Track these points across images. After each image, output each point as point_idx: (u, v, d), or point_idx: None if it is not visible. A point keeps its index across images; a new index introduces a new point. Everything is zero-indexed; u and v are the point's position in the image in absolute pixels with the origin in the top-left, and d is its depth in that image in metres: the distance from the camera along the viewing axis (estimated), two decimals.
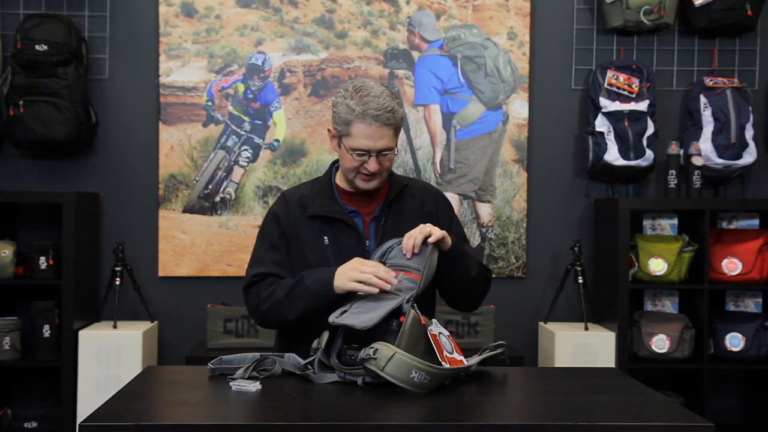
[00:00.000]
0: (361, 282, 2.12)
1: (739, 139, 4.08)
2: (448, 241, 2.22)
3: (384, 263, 2.19)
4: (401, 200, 2.43)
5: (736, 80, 4.19)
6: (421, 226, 2.19)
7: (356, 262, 2.19)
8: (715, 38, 4.28)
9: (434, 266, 2.14)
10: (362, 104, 2.25)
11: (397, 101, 2.31)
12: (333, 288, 2.18)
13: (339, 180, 2.44)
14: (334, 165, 2.47)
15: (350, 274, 2.15)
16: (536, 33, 4.29)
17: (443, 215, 2.45)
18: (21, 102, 3.90)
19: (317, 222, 2.37)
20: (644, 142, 4.08)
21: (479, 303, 2.50)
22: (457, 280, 2.32)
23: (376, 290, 2.10)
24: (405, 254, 2.15)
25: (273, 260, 2.35)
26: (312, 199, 2.40)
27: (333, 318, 2.03)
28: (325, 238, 2.35)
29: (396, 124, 2.31)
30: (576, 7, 4.28)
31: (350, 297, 2.16)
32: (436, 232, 2.16)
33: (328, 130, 2.38)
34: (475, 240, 4.25)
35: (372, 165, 2.30)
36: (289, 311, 2.25)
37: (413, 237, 2.15)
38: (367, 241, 2.36)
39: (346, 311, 2.06)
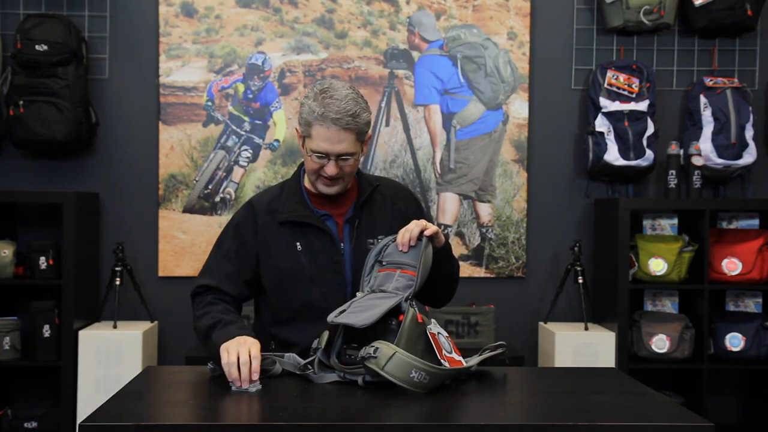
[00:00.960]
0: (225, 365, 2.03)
1: (739, 139, 4.08)
2: (442, 237, 2.22)
3: (381, 262, 2.19)
4: (373, 201, 2.40)
5: (736, 80, 4.19)
6: (416, 221, 2.18)
7: (239, 344, 2.06)
8: (715, 38, 4.28)
9: (429, 261, 2.15)
10: (323, 106, 2.21)
11: (361, 106, 2.25)
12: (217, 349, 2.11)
13: (308, 183, 2.40)
14: (302, 167, 2.43)
15: (223, 354, 2.04)
16: (536, 33, 4.29)
17: (414, 214, 2.42)
18: (21, 102, 3.90)
19: (288, 228, 2.34)
20: (644, 142, 4.08)
21: (453, 295, 2.50)
22: (443, 277, 2.32)
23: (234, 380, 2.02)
24: (401, 249, 2.15)
25: (223, 272, 2.34)
26: (282, 203, 2.36)
27: (332, 317, 2.03)
28: (298, 244, 2.32)
29: (358, 129, 2.24)
30: (576, 7, 4.28)
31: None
32: (431, 227, 2.17)
33: (296, 129, 2.35)
34: (475, 240, 4.26)
35: (330, 168, 2.26)
36: (199, 338, 2.26)
37: (409, 230, 2.15)
38: (342, 244, 2.34)
39: (344, 310, 2.06)
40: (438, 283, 2.29)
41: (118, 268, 3.99)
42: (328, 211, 2.37)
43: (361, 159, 2.37)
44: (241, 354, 2.00)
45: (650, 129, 4.10)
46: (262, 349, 2.33)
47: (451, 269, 2.37)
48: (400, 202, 2.45)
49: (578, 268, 4.08)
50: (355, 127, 2.23)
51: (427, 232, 2.15)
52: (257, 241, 2.35)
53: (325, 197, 2.36)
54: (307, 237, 2.33)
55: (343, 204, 2.38)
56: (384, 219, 2.37)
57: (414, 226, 2.16)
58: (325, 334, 2.08)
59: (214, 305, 2.29)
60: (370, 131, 2.34)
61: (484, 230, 4.27)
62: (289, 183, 2.44)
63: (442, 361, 1.98)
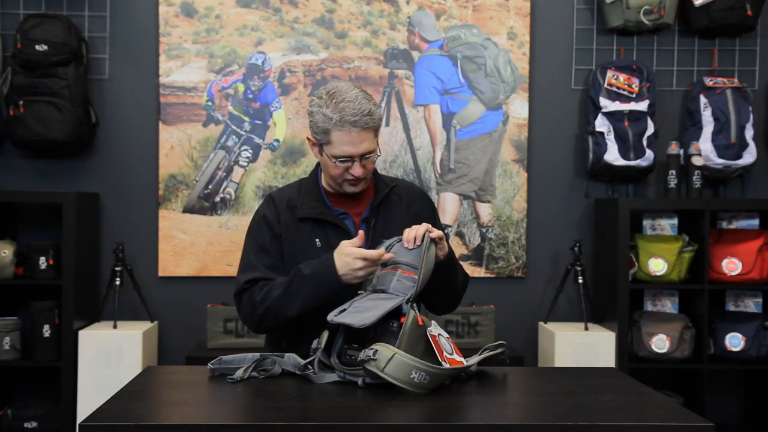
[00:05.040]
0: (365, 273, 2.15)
1: (739, 139, 4.08)
2: (445, 245, 2.24)
3: (385, 263, 2.19)
4: (389, 201, 2.43)
5: (736, 80, 4.19)
6: (424, 223, 2.20)
7: (348, 257, 2.17)
8: (715, 38, 4.28)
9: (432, 263, 2.15)
10: (338, 111, 2.23)
11: (372, 102, 2.28)
12: (339, 277, 2.17)
13: (325, 182, 2.43)
14: (320, 166, 2.46)
15: (354, 274, 2.16)
16: (536, 33, 4.29)
17: (428, 217, 2.44)
18: (21, 102, 3.90)
19: (308, 224, 2.36)
20: (644, 142, 4.08)
21: (457, 306, 2.52)
22: (443, 286, 2.33)
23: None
24: (406, 246, 2.16)
25: (264, 264, 2.34)
26: (300, 201, 2.39)
27: (332, 317, 2.03)
28: (317, 240, 2.34)
29: (375, 126, 2.28)
30: (576, 7, 4.28)
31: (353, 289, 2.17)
32: (436, 231, 2.19)
33: (308, 138, 2.36)
34: (475, 240, 4.26)
35: (356, 170, 2.29)
36: (289, 308, 2.23)
37: (415, 229, 2.17)
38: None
39: (345, 310, 2.06)
40: (436, 291, 2.28)
41: (118, 268, 4.00)
42: (346, 210, 2.39)
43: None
44: (356, 263, 2.14)
45: (650, 129, 4.10)
46: (273, 348, 2.34)
47: (453, 281, 2.38)
48: (415, 204, 2.48)
49: (578, 268, 4.08)
50: (373, 125, 2.27)
51: (431, 234, 2.16)
52: (281, 233, 2.37)
53: (342, 196, 2.39)
54: (327, 234, 2.35)
55: (359, 203, 2.41)
56: (400, 219, 2.39)
57: (420, 227, 2.17)
58: (325, 334, 2.08)
59: (271, 282, 2.29)
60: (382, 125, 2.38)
61: (484, 230, 4.27)
62: (306, 181, 2.46)
63: (443, 362, 1.97)
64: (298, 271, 2.23)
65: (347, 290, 2.16)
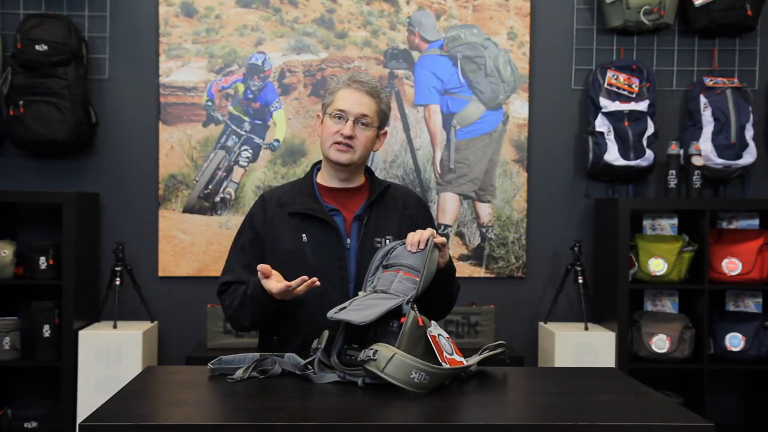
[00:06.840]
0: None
1: (739, 139, 4.08)
2: (447, 255, 2.25)
3: (386, 266, 2.19)
4: (384, 201, 2.45)
5: (736, 80, 4.19)
6: (430, 229, 2.22)
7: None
8: (715, 38, 4.28)
9: (434, 266, 2.16)
10: (351, 76, 2.39)
11: (385, 91, 2.44)
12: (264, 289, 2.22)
13: (320, 179, 2.46)
14: (316, 166, 2.50)
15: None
16: (536, 33, 4.29)
17: (424, 223, 2.45)
18: (21, 102, 3.90)
19: (297, 220, 2.38)
20: (644, 142, 4.08)
21: (443, 317, 2.52)
22: (443, 292, 2.34)
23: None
24: (410, 249, 2.16)
25: (241, 264, 2.40)
26: (292, 197, 2.43)
27: (331, 314, 2.04)
28: (304, 235, 2.36)
29: (380, 101, 2.39)
30: (576, 7, 4.28)
31: (291, 302, 2.23)
32: (440, 237, 2.21)
33: (318, 115, 2.46)
34: (475, 240, 4.26)
35: (347, 129, 2.35)
36: (243, 318, 2.33)
37: (420, 233, 2.18)
38: (348, 240, 2.37)
39: (345, 308, 2.06)
40: (434, 297, 2.28)
41: (118, 268, 4.00)
42: (338, 207, 2.41)
43: (376, 148, 2.48)
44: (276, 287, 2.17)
45: (650, 129, 4.10)
46: (265, 347, 2.35)
47: (449, 291, 2.39)
48: (411, 207, 2.50)
49: (578, 268, 4.08)
50: (377, 97, 2.39)
51: (435, 239, 2.17)
52: (266, 232, 2.40)
53: (336, 193, 2.42)
54: (314, 229, 2.37)
55: (353, 201, 2.42)
56: (393, 220, 2.41)
57: (425, 231, 2.19)
58: (325, 334, 2.08)
59: (240, 287, 2.36)
60: (386, 129, 2.47)
61: (484, 230, 4.27)
62: (301, 180, 2.52)
63: (443, 362, 1.98)
64: (245, 289, 2.30)
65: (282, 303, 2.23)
